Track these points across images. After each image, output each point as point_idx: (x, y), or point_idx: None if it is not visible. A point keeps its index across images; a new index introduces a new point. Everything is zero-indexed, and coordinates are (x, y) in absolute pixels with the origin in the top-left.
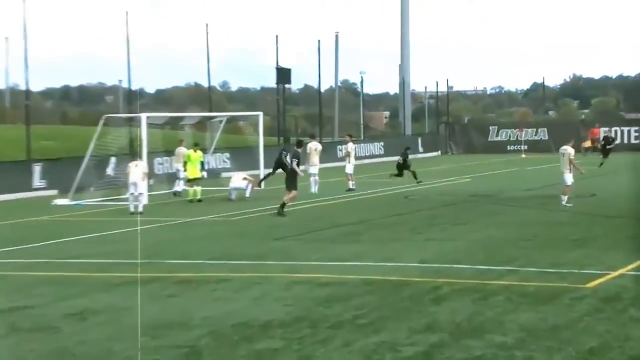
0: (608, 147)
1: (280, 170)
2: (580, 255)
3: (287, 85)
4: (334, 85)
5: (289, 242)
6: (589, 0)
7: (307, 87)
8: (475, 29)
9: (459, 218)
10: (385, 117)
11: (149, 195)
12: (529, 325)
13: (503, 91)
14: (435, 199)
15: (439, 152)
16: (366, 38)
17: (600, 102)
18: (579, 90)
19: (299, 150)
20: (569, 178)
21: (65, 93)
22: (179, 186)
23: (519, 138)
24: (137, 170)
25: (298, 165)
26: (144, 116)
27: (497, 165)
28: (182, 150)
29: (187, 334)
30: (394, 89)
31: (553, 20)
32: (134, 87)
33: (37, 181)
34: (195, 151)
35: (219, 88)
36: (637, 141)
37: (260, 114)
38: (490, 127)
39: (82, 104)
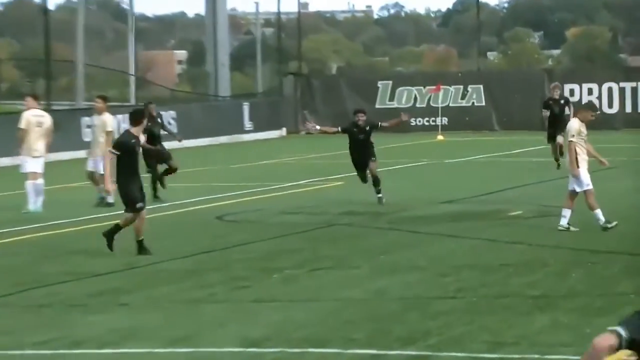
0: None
1: None
2: (541, 326)
3: None
4: None
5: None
6: None
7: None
8: None
9: (321, 258)
10: (180, 63)
11: None
12: None
13: (404, 13)
14: (274, 222)
15: (284, 131)
16: None
17: (582, 34)
18: (542, 12)
19: None
20: (583, 177)
21: None
22: None
23: (433, 104)
24: None
25: None
26: None
27: (392, 154)
28: None
29: None
30: (196, 6)
31: None
32: None
33: None
34: None
35: None
36: None
37: None
38: (380, 83)
39: None
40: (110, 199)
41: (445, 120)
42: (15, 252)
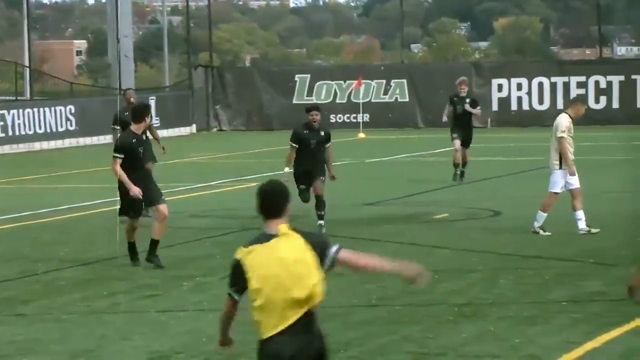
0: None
1: None
2: (468, 336)
3: None
4: None
5: None
6: None
7: None
8: None
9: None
10: (79, 53)
11: None
12: None
13: (322, 1)
14: (183, 225)
15: (193, 127)
16: None
17: (511, 24)
18: (469, 1)
19: None
20: (557, 179)
21: None
22: None
23: (354, 99)
24: None
25: None
26: None
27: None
28: None
29: None
30: None
31: None
32: None
33: None
34: None
35: None
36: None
37: None
38: (297, 77)
39: None
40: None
41: (367, 117)
42: None
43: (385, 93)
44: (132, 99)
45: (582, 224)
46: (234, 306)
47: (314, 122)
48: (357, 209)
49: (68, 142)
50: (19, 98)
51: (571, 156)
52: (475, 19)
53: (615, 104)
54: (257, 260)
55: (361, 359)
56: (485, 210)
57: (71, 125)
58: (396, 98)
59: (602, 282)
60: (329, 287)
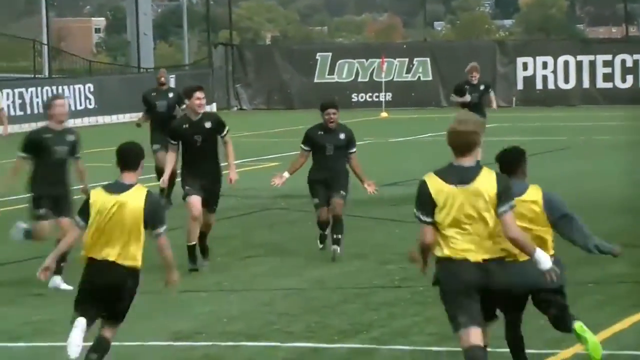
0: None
1: None
2: None
3: None
4: None
5: None
6: None
7: None
8: None
9: (254, 245)
10: (98, 31)
11: None
12: None
13: None
14: None
15: (213, 106)
16: None
17: (536, 2)
18: None
19: None
20: None
21: None
22: None
23: (377, 78)
24: None
25: None
26: None
27: None
28: None
29: None
30: None
31: None
32: None
33: None
34: None
35: None
36: (608, 84)
37: None
38: (319, 55)
39: None
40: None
41: (389, 95)
42: None
43: (408, 72)
44: (162, 79)
45: None
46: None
47: (331, 122)
48: (379, 189)
49: (87, 121)
50: (37, 76)
51: None
52: None
53: None
54: None
55: (383, 341)
56: None
57: (90, 104)
58: (419, 77)
59: (628, 264)
60: (350, 268)
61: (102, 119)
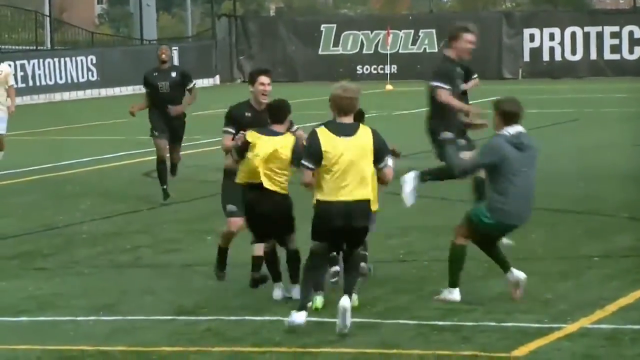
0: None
1: None
2: (497, 292)
3: None
4: None
5: None
6: None
7: None
8: None
9: None
10: (100, 2)
11: None
12: None
13: None
14: (207, 179)
15: (217, 79)
16: None
17: None
18: None
19: None
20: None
21: None
22: None
23: (382, 50)
24: None
25: None
26: None
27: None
28: None
29: None
30: None
31: None
32: None
33: None
34: None
35: None
36: (616, 56)
37: None
38: (323, 27)
39: None
40: None
41: (394, 68)
42: None
43: (414, 43)
44: (164, 56)
45: None
46: None
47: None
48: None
49: (89, 93)
50: (39, 48)
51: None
52: None
53: None
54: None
55: (388, 315)
56: None
57: (92, 76)
58: (424, 49)
59: (635, 237)
60: None
61: (104, 92)
